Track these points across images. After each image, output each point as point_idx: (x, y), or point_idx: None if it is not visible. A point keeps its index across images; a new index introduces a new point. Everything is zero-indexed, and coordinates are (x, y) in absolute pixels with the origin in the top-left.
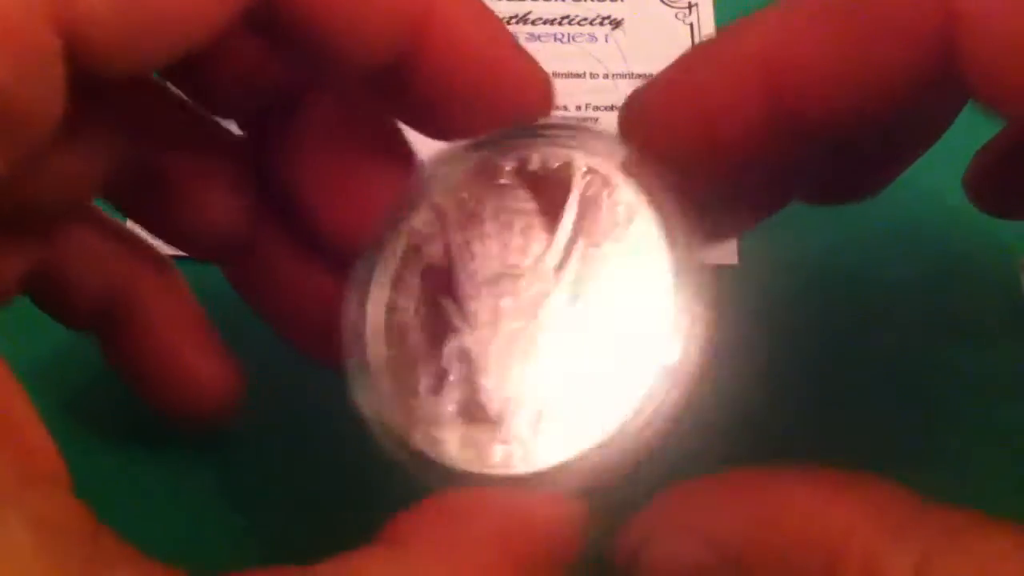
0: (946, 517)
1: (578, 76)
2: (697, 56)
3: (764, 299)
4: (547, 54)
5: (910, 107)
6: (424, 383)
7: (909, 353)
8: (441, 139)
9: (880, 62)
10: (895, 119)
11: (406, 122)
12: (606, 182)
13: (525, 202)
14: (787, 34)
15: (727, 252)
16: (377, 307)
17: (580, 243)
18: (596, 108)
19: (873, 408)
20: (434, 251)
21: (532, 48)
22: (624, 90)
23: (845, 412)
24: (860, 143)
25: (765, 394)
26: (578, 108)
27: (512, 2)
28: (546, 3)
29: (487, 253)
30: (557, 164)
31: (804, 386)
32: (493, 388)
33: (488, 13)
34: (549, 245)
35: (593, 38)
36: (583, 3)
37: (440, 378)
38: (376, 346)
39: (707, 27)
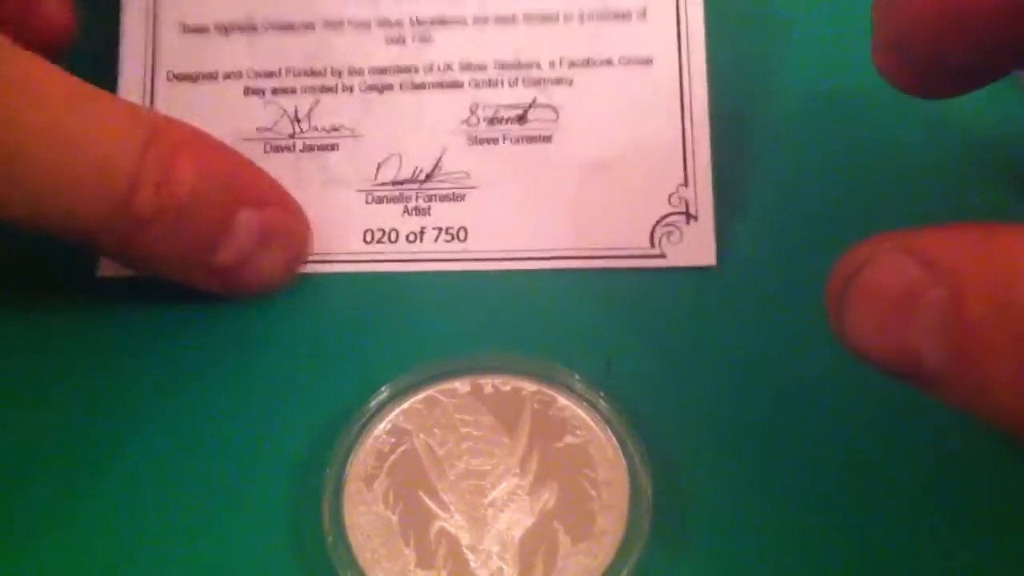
0: None
1: (545, 20)
2: None
3: (742, 301)
4: None
5: None
6: (414, 560)
7: None
8: None
9: None
10: None
11: None
12: (552, 400)
13: (483, 414)
14: None
15: (705, 253)
16: (354, 506)
17: (537, 444)
18: (572, 63)
19: (859, 410)
20: (402, 455)
21: None
22: (609, 37)
23: (827, 413)
24: None
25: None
26: (552, 64)
27: None
28: None
29: (454, 455)
30: (508, 388)
31: (783, 388)
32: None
33: None
34: (511, 448)
35: None
36: None
37: (429, 555)
38: (361, 540)
39: None
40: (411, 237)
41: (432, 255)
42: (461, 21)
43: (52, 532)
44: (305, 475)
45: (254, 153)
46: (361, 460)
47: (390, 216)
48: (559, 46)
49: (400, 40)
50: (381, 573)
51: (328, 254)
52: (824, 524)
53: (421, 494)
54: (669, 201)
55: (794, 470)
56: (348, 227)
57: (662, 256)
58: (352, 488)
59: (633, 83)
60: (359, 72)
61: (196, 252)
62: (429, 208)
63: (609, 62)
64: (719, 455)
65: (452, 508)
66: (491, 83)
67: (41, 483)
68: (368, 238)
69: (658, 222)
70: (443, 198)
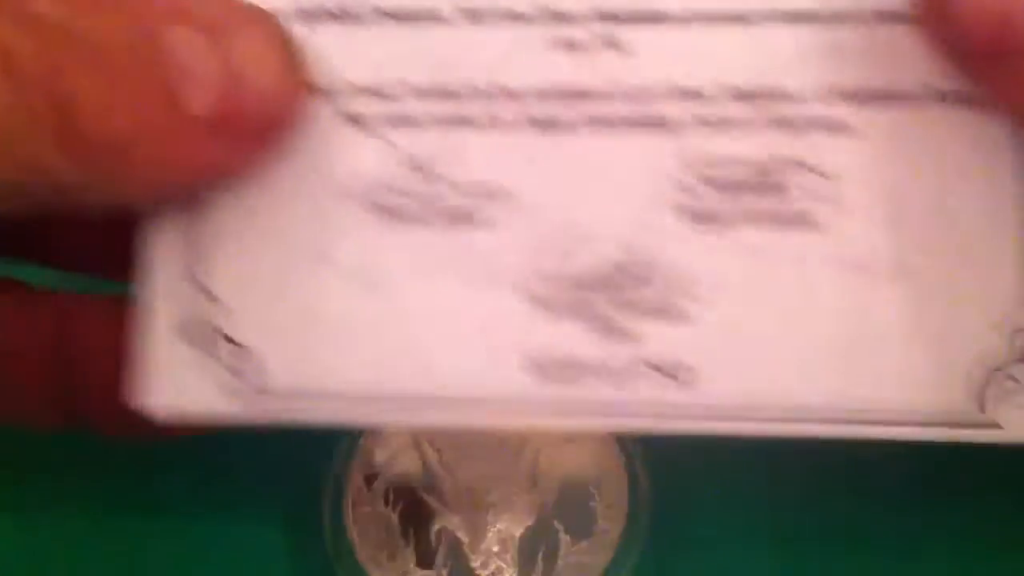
0: None
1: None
2: None
3: None
4: None
5: None
6: (414, 560)
7: None
8: None
9: None
10: None
11: None
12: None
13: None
14: None
15: None
16: (354, 505)
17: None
18: (851, 96)
19: None
20: (402, 454)
21: None
22: (914, 56)
23: None
24: None
25: None
26: (817, 96)
27: None
28: None
29: (454, 454)
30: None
31: None
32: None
33: None
34: (512, 448)
35: None
36: None
37: (429, 555)
38: (361, 539)
39: None
40: (604, 373)
41: (641, 408)
42: (669, 17)
43: None
44: (305, 474)
45: (352, 221)
46: (361, 459)
47: (568, 337)
48: (828, 65)
49: (574, 45)
50: (381, 572)
51: (468, 399)
52: (824, 524)
53: (421, 493)
54: (1012, 341)
55: (795, 470)
56: (500, 351)
57: (995, 426)
58: (352, 487)
59: (953, 133)
60: (516, 95)
61: (154, 110)
62: (633, 329)
63: (914, 97)
64: (719, 455)
65: (452, 508)
66: (717, 122)
67: None
68: (535, 372)
69: (992, 373)
70: (654, 312)
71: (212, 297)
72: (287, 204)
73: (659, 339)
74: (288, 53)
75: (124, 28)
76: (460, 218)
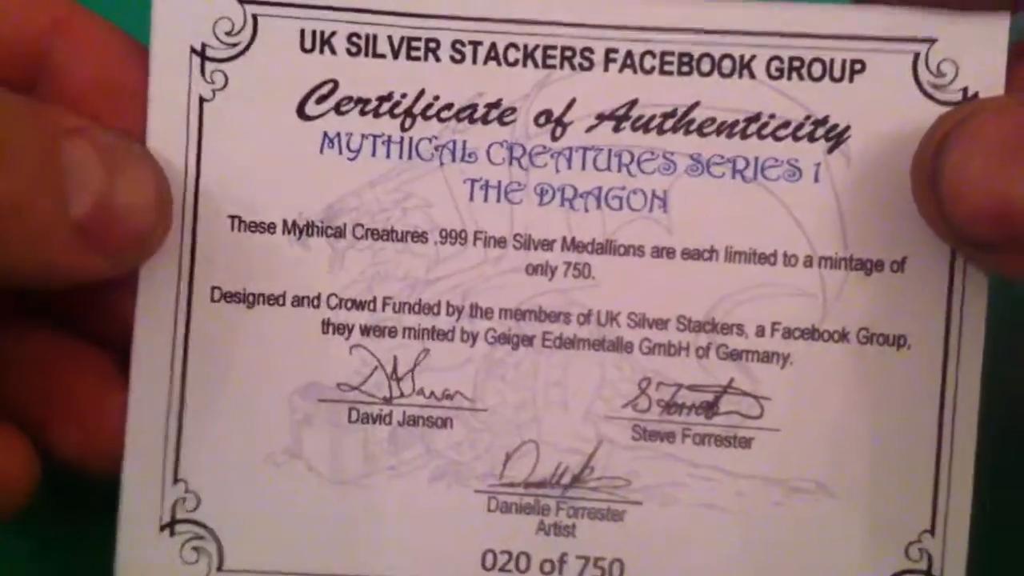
0: None
1: (758, 260)
2: None
3: None
4: (702, 198)
5: None
6: None
7: None
8: None
9: None
10: None
11: None
12: None
13: None
14: None
15: None
16: None
17: None
18: (788, 333)
19: None
20: None
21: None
22: (842, 291)
23: None
24: None
25: None
26: (759, 332)
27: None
28: (713, 91)
29: None
30: None
31: None
32: None
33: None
34: None
35: (795, 172)
36: (775, 88)
37: None
38: None
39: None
40: (547, 567)
41: None
42: (636, 250)
43: None
44: None
45: (330, 422)
46: None
47: (520, 534)
48: (773, 304)
49: (546, 270)
50: None
51: None
52: None
53: None
54: (906, 553)
55: None
56: (460, 545)
57: None
58: None
59: (874, 371)
60: (487, 313)
61: (44, 208)
62: (573, 527)
63: (843, 336)
64: None
65: None
66: (671, 349)
67: None
68: (488, 563)
69: None
70: (593, 514)
71: (188, 488)
72: (264, 401)
73: (597, 537)
74: (161, 191)
75: (33, 131)
76: (431, 423)
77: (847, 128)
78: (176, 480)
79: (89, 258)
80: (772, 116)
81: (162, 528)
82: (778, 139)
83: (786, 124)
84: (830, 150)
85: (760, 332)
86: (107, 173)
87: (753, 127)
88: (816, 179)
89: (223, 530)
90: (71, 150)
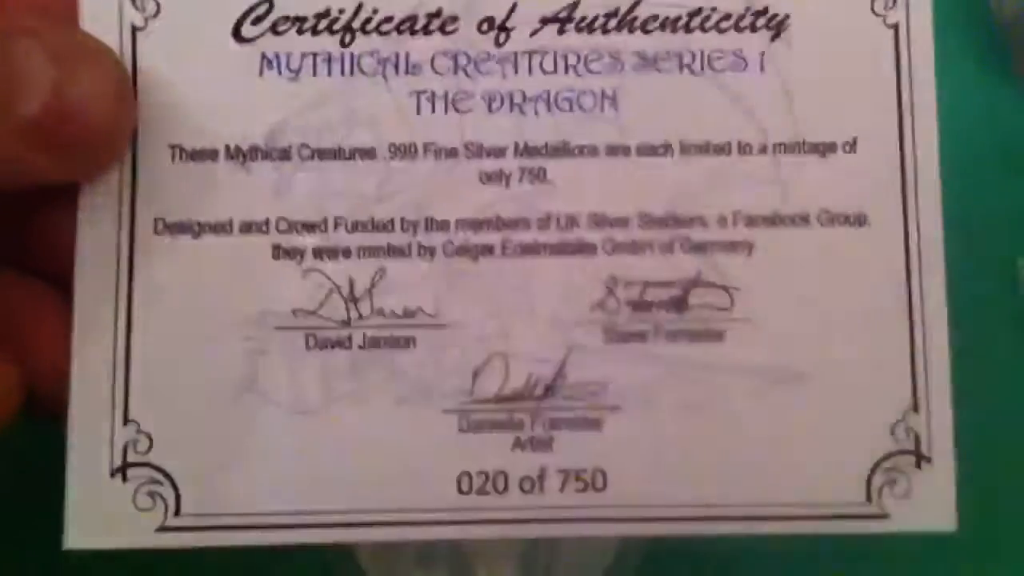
0: None
1: (713, 152)
2: None
3: None
4: (652, 94)
5: None
6: (413, 559)
7: None
8: None
9: None
10: None
11: None
12: None
13: None
14: None
15: (941, 512)
16: None
17: None
18: (751, 221)
19: None
20: None
21: (619, 83)
22: (799, 175)
23: None
24: None
25: None
26: (721, 223)
27: None
28: None
29: None
30: None
31: None
32: None
33: None
34: None
35: (741, 62)
36: None
37: (429, 553)
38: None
39: (921, 35)
40: (526, 485)
41: (558, 512)
42: (590, 151)
43: None
44: None
45: (287, 351)
46: None
47: (495, 452)
48: (733, 194)
49: (501, 177)
50: (380, 573)
51: (404, 511)
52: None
53: None
54: (892, 434)
55: None
56: (433, 469)
57: (883, 516)
58: None
59: (838, 252)
60: (443, 226)
61: None
62: (551, 440)
63: (804, 219)
64: None
65: None
66: (635, 247)
67: None
68: (464, 486)
69: (876, 465)
70: (571, 425)
71: (140, 429)
72: (216, 334)
73: (577, 448)
74: (120, 87)
75: None
76: (393, 343)
77: (787, 16)
78: (127, 421)
79: (36, 156)
80: (714, 9)
81: (113, 473)
82: (721, 31)
83: (728, 16)
84: (772, 39)
85: (723, 222)
86: (57, 71)
87: (696, 21)
88: (762, 68)
89: (178, 472)
90: (18, 50)
